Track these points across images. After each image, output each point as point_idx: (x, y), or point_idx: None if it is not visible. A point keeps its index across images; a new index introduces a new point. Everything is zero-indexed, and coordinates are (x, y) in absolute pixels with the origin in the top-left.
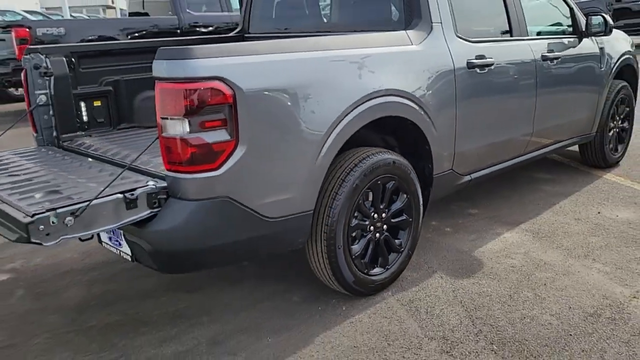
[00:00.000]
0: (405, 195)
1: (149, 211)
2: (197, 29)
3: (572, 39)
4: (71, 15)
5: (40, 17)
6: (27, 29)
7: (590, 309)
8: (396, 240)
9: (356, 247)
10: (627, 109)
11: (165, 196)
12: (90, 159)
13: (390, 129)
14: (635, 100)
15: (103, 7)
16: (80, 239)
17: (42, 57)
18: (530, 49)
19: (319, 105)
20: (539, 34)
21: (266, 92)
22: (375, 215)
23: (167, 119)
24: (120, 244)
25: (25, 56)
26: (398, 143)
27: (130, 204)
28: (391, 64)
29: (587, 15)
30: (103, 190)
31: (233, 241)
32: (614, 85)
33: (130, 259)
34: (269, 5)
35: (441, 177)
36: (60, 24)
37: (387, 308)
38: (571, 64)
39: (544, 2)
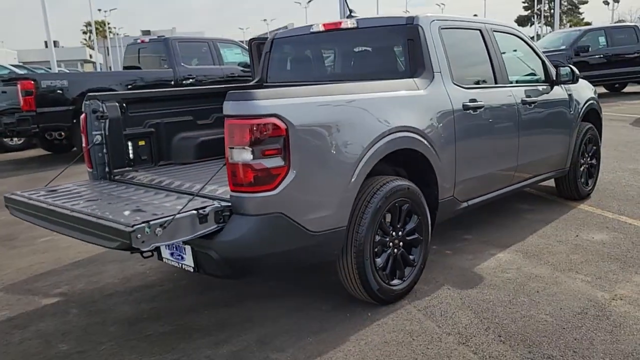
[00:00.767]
0: (417, 217)
1: (216, 225)
2: (190, 80)
3: (545, 87)
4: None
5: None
6: (33, 82)
7: (577, 308)
8: (410, 256)
9: (379, 260)
10: (594, 147)
11: (228, 213)
12: (148, 188)
13: (402, 161)
14: (600, 140)
15: (81, 62)
16: (142, 255)
17: (99, 102)
18: (512, 94)
19: (351, 137)
20: (517, 82)
21: (311, 127)
22: (394, 233)
23: (234, 148)
24: (182, 258)
25: (86, 102)
26: (407, 173)
27: (203, 219)
28: (404, 105)
29: (556, 66)
30: (182, 208)
31: (284, 250)
32: (582, 127)
33: (192, 270)
34: (284, 60)
35: (445, 202)
36: (63, 77)
37: (407, 313)
38: (546, 108)
39: (520, 55)
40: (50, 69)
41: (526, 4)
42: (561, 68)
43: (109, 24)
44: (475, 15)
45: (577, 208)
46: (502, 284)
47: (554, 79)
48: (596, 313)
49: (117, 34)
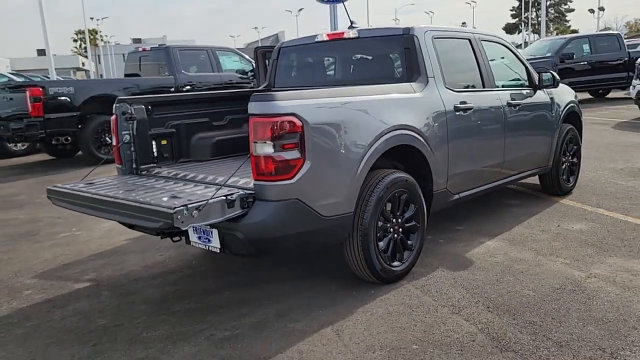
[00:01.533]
0: (414, 206)
1: (241, 210)
2: (191, 87)
3: (528, 91)
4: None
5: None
6: (41, 88)
7: (556, 285)
8: (409, 241)
9: (382, 244)
10: (575, 147)
11: (252, 199)
12: (177, 181)
13: (400, 156)
14: (581, 140)
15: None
16: (172, 239)
17: (128, 105)
18: (499, 97)
19: (357, 134)
20: (503, 86)
21: (323, 125)
22: (394, 220)
23: (257, 143)
24: (209, 240)
25: (117, 105)
26: (404, 168)
27: (230, 204)
28: (403, 107)
29: (539, 72)
30: (214, 194)
31: (300, 232)
32: (563, 128)
33: (218, 251)
34: (290, 66)
35: (438, 193)
36: (70, 84)
37: (406, 290)
38: (529, 110)
39: (506, 62)
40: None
41: (514, 12)
42: (543, 74)
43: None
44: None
45: (559, 202)
46: (490, 267)
47: (537, 83)
48: (573, 288)
49: (108, 42)
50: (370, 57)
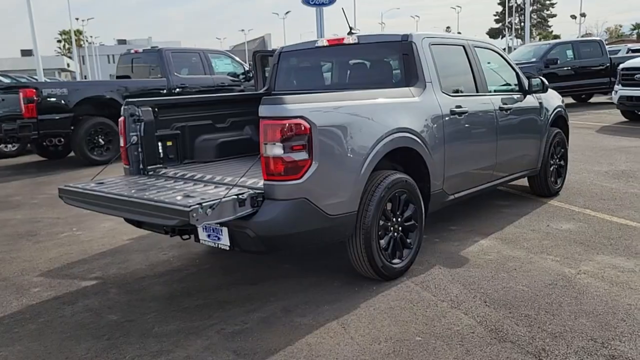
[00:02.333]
0: (413, 206)
1: (251, 209)
2: (183, 89)
3: (518, 95)
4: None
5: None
6: (34, 90)
7: (548, 281)
8: (407, 239)
9: (383, 242)
10: (562, 150)
11: (261, 198)
12: (186, 181)
13: (399, 158)
14: (568, 144)
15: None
16: (182, 237)
17: (135, 107)
18: (491, 101)
19: (361, 136)
20: (495, 91)
21: (329, 127)
22: (394, 219)
23: (268, 144)
24: (219, 238)
25: (125, 107)
26: (403, 169)
27: (241, 203)
28: (403, 110)
29: (528, 77)
30: (226, 193)
31: (307, 230)
32: (551, 132)
33: (227, 248)
34: (290, 71)
35: (435, 194)
36: (64, 85)
37: (406, 286)
38: (519, 114)
39: (497, 68)
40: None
41: (497, 17)
42: (532, 79)
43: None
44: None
45: (547, 203)
46: (485, 264)
47: (527, 88)
48: (564, 284)
49: (92, 43)
50: (369, 63)
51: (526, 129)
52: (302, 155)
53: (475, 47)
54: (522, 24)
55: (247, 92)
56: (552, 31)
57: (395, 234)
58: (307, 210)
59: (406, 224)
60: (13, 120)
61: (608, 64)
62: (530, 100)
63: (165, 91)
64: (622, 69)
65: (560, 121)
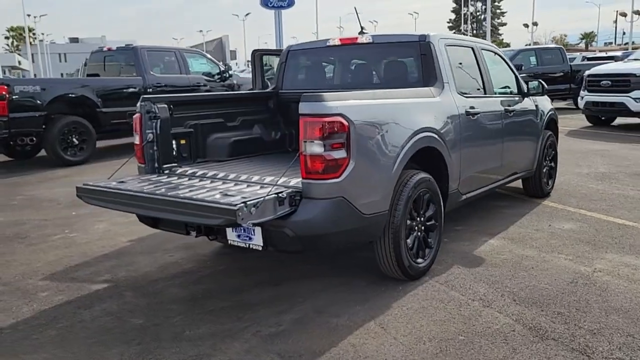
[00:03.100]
0: (434, 206)
1: (289, 208)
2: (159, 89)
3: (518, 98)
4: None
5: None
6: (6, 87)
7: (568, 279)
8: (429, 239)
9: (409, 241)
10: (553, 152)
11: (299, 197)
12: (213, 180)
13: (418, 158)
14: (557, 146)
15: (9, 68)
16: (209, 237)
17: (152, 104)
18: (497, 103)
19: (394, 134)
20: (498, 93)
21: (366, 125)
22: (418, 219)
23: (308, 142)
24: (250, 238)
25: (142, 103)
26: (421, 169)
27: (281, 202)
28: (427, 110)
29: (526, 80)
30: (269, 192)
31: (344, 230)
32: (545, 134)
33: (260, 248)
34: (299, 69)
35: (452, 194)
36: (37, 82)
37: (431, 286)
38: (521, 116)
39: (498, 69)
40: None
41: (450, 25)
42: (530, 82)
43: (34, 29)
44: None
45: (542, 204)
46: (501, 263)
47: (525, 91)
48: (584, 282)
49: (42, 41)
50: (384, 63)
51: (526, 131)
52: (341, 154)
53: (482, 49)
54: (475, 31)
55: (256, 91)
56: (502, 39)
57: (419, 233)
58: (345, 209)
59: (428, 223)
60: None
61: (568, 71)
62: (529, 103)
63: (142, 90)
64: (589, 76)
65: (552, 124)
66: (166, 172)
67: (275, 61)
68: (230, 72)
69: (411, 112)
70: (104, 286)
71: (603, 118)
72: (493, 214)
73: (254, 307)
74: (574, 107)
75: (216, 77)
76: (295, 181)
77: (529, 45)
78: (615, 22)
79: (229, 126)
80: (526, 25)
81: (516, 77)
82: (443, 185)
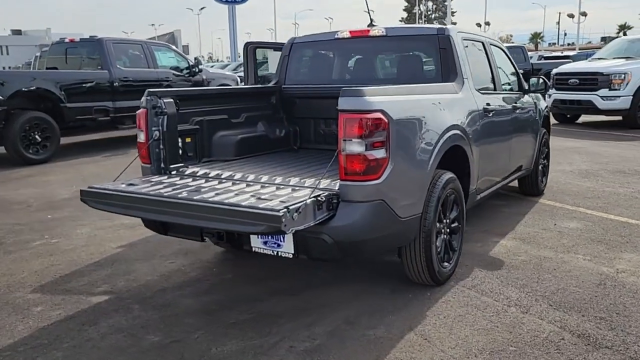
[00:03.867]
0: (457, 207)
1: (327, 212)
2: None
3: (520, 94)
4: None
5: None
6: None
7: (596, 281)
8: (452, 242)
9: (437, 245)
10: (547, 149)
11: (336, 201)
12: (234, 182)
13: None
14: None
15: None
16: (232, 246)
17: (158, 98)
18: (507, 99)
19: (428, 132)
20: (504, 89)
21: (404, 122)
22: (445, 221)
23: (348, 140)
24: (279, 245)
25: (148, 97)
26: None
27: (320, 206)
28: (453, 106)
29: (528, 77)
30: (310, 195)
31: (382, 235)
32: (541, 131)
33: (291, 256)
34: (304, 63)
35: (472, 193)
36: None
37: (460, 292)
38: (525, 113)
39: (503, 65)
40: None
41: (403, 22)
42: (532, 79)
43: None
44: None
45: (539, 202)
46: (522, 265)
47: (526, 88)
48: (612, 284)
49: None
50: (398, 57)
51: (528, 129)
52: (382, 153)
53: (490, 44)
54: None
55: (259, 86)
56: None
57: (445, 236)
58: (384, 213)
59: (452, 225)
60: None
61: (530, 69)
62: (529, 100)
63: (108, 85)
64: (556, 74)
65: (546, 121)
66: (173, 172)
67: (270, 54)
68: (200, 66)
69: (442, 109)
70: (105, 298)
71: (569, 116)
72: (494, 213)
73: (278, 319)
74: None
75: (184, 71)
76: (325, 183)
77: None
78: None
79: (234, 123)
80: (479, 25)
81: (517, 73)
82: (464, 185)
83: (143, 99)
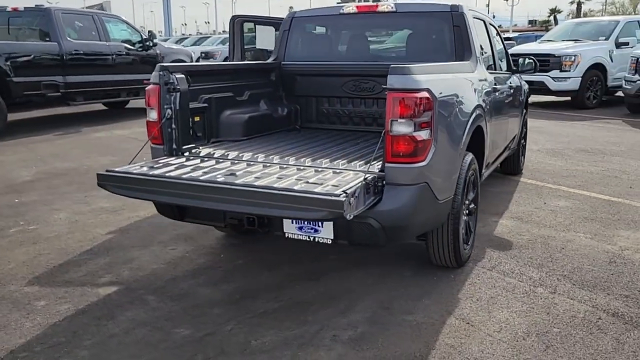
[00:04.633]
0: (474, 188)
1: (374, 197)
2: (77, 57)
3: (509, 74)
4: None
5: None
6: None
7: (606, 259)
8: (470, 223)
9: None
10: (525, 129)
11: (381, 184)
12: (266, 164)
13: None
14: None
15: None
16: (260, 231)
17: (170, 74)
18: (505, 79)
19: (461, 111)
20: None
21: (444, 101)
22: (466, 202)
23: (397, 120)
24: (316, 231)
25: (160, 72)
26: None
27: (367, 190)
28: (474, 85)
29: (516, 58)
30: (363, 178)
31: (425, 217)
32: (523, 112)
33: (329, 242)
34: (306, 39)
35: (482, 174)
36: None
37: (482, 273)
38: (515, 93)
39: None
40: None
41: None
42: (521, 59)
43: None
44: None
45: (522, 181)
46: (530, 245)
47: (515, 68)
48: (622, 261)
49: None
50: (408, 34)
51: (517, 108)
52: (427, 134)
53: (490, 23)
54: None
55: (260, 62)
56: None
57: (465, 217)
58: (427, 196)
59: (470, 207)
60: None
61: None
62: (517, 80)
63: (59, 58)
64: (511, 55)
65: (526, 102)
66: (185, 154)
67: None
68: (154, 40)
69: (470, 88)
70: (113, 289)
71: None
72: (482, 193)
73: (309, 306)
74: None
75: (137, 45)
76: (359, 165)
77: None
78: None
79: (239, 101)
80: None
81: (507, 53)
82: (478, 166)
83: (154, 74)
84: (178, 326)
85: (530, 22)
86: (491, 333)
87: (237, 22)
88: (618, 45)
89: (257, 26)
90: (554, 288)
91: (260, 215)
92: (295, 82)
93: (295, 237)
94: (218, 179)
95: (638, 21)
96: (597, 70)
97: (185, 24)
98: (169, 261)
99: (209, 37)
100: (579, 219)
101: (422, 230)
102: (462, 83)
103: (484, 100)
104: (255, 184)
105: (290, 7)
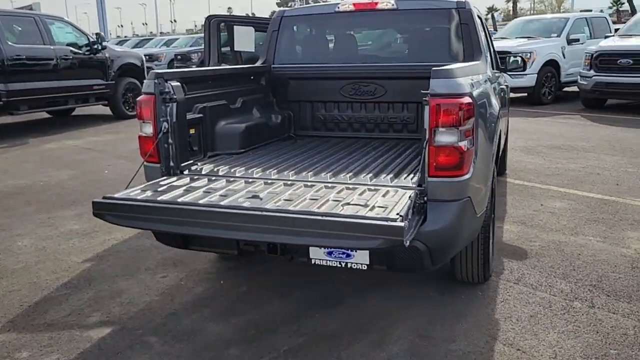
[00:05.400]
0: (493, 196)
1: (418, 216)
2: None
3: (500, 73)
4: None
5: None
6: None
7: (627, 264)
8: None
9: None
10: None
11: (422, 201)
12: (286, 182)
13: None
14: None
15: None
16: (284, 257)
17: (165, 82)
18: (501, 78)
19: (491, 115)
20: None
21: (480, 107)
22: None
23: (440, 129)
24: (348, 256)
25: (155, 80)
26: None
27: (413, 209)
28: (494, 85)
29: (505, 56)
30: (408, 197)
31: (468, 235)
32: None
33: (365, 268)
34: (299, 40)
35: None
36: None
37: (510, 288)
38: (506, 92)
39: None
40: None
41: (279, 1)
42: (509, 57)
43: None
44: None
45: (509, 182)
46: (545, 252)
47: (503, 67)
48: None
49: None
50: (411, 33)
51: (506, 107)
52: (470, 143)
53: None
54: None
55: (249, 65)
56: None
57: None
58: (469, 212)
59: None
60: None
61: None
62: (506, 79)
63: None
64: None
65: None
66: (185, 172)
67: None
68: (103, 43)
69: (492, 91)
70: (107, 331)
71: None
72: None
73: (338, 339)
74: None
75: (84, 49)
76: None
77: None
78: None
79: (232, 109)
80: None
81: (495, 52)
82: None
83: (148, 82)
84: None
85: None
86: (545, 359)
87: (213, 23)
88: (569, 41)
89: (235, 27)
90: (591, 301)
91: (297, 245)
92: (287, 86)
93: (323, 263)
94: (244, 205)
95: (586, 18)
96: (551, 66)
97: (122, 26)
98: (163, 292)
99: (151, 39)
100: (582, 221)
101: (460, 248)
102: (488, 85)
103: (499, 102)
104: (290, 208)
105: (229, 8)
